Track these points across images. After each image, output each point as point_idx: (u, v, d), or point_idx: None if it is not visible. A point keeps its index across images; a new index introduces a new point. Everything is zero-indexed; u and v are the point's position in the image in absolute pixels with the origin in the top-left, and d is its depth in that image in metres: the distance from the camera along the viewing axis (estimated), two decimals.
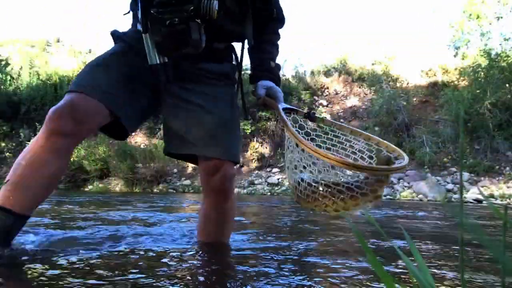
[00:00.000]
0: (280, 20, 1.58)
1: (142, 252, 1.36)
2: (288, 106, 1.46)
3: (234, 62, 1.55)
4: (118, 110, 1.31)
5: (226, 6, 1.31)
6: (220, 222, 1.49)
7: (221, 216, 1.48)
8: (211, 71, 1.43)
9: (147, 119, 1.59)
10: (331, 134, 1.38)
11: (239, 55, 1.55)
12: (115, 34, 1.44)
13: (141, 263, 1.20)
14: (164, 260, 1.26)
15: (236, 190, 1.42)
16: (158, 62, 1.24)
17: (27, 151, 1.29)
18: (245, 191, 9.95)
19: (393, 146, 1.24)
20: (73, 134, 1.29)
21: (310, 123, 1.43)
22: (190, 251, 1.45)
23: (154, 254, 1.35)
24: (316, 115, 1.44)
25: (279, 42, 1.60)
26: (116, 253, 1.35)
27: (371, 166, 1.14)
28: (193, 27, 1.20)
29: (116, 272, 1.05)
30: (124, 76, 1.34)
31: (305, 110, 1.45)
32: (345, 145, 1.36)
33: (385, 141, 1.29)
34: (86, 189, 10.80)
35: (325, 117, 1.50)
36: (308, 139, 1.27)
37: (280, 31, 1.62)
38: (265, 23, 1.53)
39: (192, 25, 1.19)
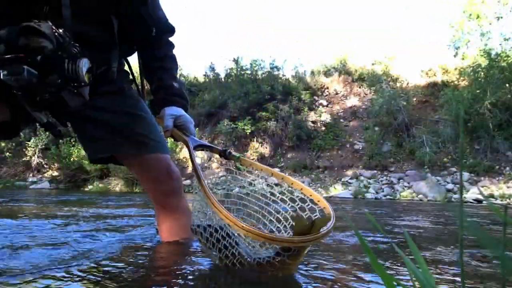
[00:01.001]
0: (164, 33, 1.42)
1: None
2: (201, 143, 1.28)
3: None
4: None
5: (94, 53, 1.14)
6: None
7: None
8: (106, 91, 1.31)
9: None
10: (247, 178, 1.20)
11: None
12: None
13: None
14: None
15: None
16: (45, 120, 1.13)
17: None
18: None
19: (317, 195, 1.07)
20: None
21: (225, 161, 1.25)
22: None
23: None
24: (232, 154, 1.25)
25: (173, 52, 1.45)
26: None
27: (283, 238, 0.92)
28: (67, 96, 1.07)
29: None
30: None
31: (220, 148, 1.28)
32: (265, 194, 1.18)
33: (309, 188, 1.11)
34: (86, 189, 10.79)
35: (243, 155, 1.25)
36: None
37: (172, 38, 1.46)
38: (148, 43, 1.39)
39: (65, 94, 1.06)
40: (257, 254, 1.01)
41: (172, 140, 1.40)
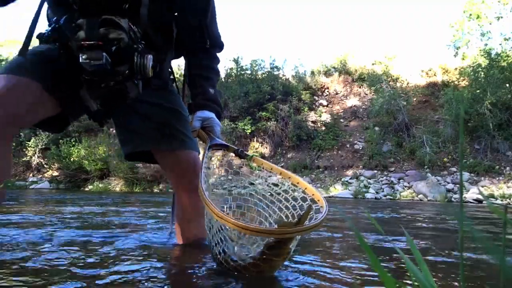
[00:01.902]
0: (214, 47, 1.49)
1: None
2: (220, 142, 1.34)
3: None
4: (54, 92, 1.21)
5: (157, 56, 1.29)
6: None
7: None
8: (154, 85, 1.42)
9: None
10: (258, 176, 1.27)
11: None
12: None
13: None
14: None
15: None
16: (96, 108, 1.23)
17: None
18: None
19: (319, 195, 1.08)
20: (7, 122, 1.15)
21: (240, 160, 1.32)
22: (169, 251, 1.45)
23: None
24: (245, 153, 1.32)
25: (218, 66, 1.53)
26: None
27: (267, 229, 0.94)
28: (130, 87, 1.18)
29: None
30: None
31: (235, 147, 1.34)
32: (271, 192, 1.22)
33: (312, 188, 1.13)
34: (86, 189, 10.78)
35: (256, 154, 1.35)
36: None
37: (219, 54, 1.55)
38: (198, 52, 1.48)
39: (129, 85, 1.18)
40: (247, 254, 1.02)
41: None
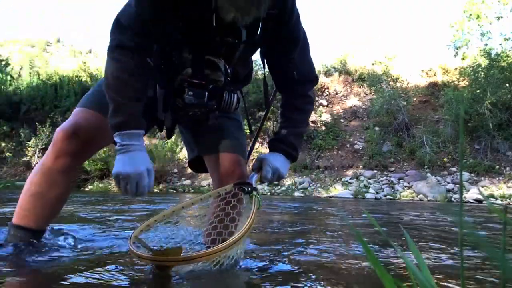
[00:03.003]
0: (304, 82, 1.43)
1: None
2: (240, 181, 1.32)
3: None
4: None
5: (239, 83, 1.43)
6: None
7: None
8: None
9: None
10: None
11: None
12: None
13: None
14: None
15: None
16: (169, 125, 1.36)
17: (36, 173, 1.32)
18: None
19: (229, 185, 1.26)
20: (80, 153, 1.31)
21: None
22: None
23: None
24: (247, 189, 1.27)
25: (306, 104, 1.46)
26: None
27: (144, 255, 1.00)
28: (212, 116, 1.32)
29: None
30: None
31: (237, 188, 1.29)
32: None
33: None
34: (87, 189, 10.79)
35: (258, 196, 1.25)
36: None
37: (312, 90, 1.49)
38: (288, 88, 1.46)
39: (211, 115, 1.31)
40: None
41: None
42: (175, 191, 10.09)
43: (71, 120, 1.30)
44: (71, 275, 1.00)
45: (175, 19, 1.17)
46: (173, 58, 1.24)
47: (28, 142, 13.24)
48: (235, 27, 1.16)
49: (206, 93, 1.22)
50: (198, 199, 1.30)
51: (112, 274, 1.04)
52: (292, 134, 1.42)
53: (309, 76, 1.43)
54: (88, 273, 1.03)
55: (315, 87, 1.56)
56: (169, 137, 1.46)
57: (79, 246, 1.45)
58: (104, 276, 1.01)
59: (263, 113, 1.59)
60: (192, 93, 1.22)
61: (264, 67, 1.41)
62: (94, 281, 0.97)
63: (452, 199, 8.62)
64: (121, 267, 1.11)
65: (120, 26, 1.15)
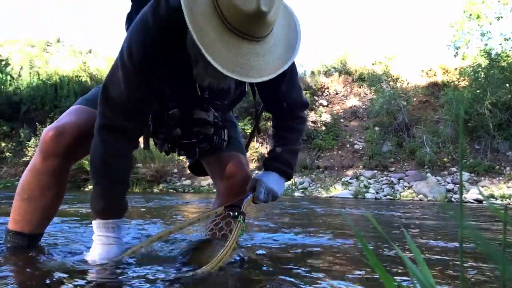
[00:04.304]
0: (293, 109, 1.43)
1: None
2: (231, 203, 1.33)
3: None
4: None
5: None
6: None
7: None
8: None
9: None
10: None
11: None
12: None
13: None
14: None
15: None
16: (167, 149, 1.38)
17: (27, 174, 1.30)
18: None
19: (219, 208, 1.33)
20: (70, 153, 1.27)
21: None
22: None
23: None
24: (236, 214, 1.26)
25: (299, 124, 1.47)
26: None
27: None
28: (202, 144, 1.35)
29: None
30: None
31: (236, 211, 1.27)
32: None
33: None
34: (86, 189, 10.79)
35: (243, 224, 1.22)
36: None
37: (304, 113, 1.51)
38: (279, 111, 1.45)
39: (203, 146, 1.36)
40: None
41: None
42: (175, 191, 10.09)
43: (60, 120, 1.27)
44: (71, 275, 1.00)
45: (163, 89, 1.19)
46: (164, 116, 1.28)
47: (28, 142, 13.23)
48: (223, 91, 1.22)
49: (197, 149, 1.33)
50: (186, 224, 1.30)
51: (111, 274, 1.04)
52: (287, 152, 1.42)
53: (298, 102, 1.43)
54: (86, 275, 1.03)
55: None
56: (168, 154, 1.50)
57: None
58: (103, 277, 1.01)
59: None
60: (183, 152, 1.36)
61: (254, 97, 1.43)
62: (93, 282, 0.97)
63: (452, 199, 8.62)
64: (119, 269, 1.11)
65: (109, 99, 1.12)
